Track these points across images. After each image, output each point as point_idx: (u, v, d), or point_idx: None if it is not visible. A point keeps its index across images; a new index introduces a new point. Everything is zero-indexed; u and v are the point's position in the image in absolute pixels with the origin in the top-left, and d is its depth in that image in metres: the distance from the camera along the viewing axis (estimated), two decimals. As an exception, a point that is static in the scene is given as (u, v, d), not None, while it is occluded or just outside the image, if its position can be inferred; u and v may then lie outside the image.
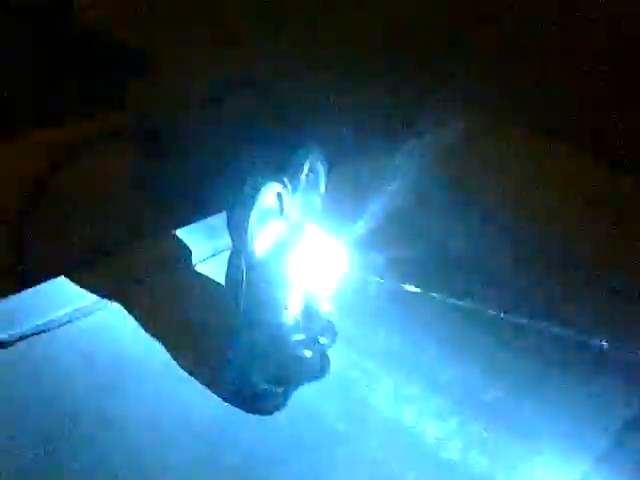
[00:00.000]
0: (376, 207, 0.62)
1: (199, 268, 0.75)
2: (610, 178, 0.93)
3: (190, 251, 0.76)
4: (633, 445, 0.59)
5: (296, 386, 0.62)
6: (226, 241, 0.77)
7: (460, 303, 0.60)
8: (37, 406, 0.60)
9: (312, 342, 0.60)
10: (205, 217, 0.82)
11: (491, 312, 0.61)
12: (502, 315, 0.59)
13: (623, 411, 0.61)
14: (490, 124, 0.98)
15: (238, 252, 0.54)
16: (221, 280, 0.71)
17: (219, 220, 0.81)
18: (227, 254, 0.76)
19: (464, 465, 0.57)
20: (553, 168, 0.95)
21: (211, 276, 0.74)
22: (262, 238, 0.54)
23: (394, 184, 0.65)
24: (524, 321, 0.61)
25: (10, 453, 0.56)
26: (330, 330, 0.61)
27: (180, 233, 0.78)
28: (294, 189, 0.55)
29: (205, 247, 0.77)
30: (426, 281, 0.64)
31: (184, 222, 0.82)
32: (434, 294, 0.59)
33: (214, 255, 0.77)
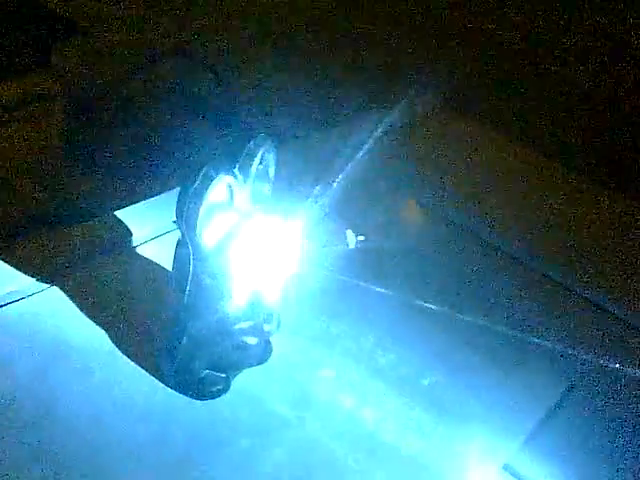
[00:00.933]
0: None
1: (140, 250, 0.75)
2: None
3: (131, 232, 0.75)
4: (556, 427, 0.63)
5: (239, 372, 0.63)
6: (167, 222, 0.78)
7: (399, 294, 0.62)
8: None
9: (256, 330, 0.61)
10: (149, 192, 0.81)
11: (429, 304, 0.63)
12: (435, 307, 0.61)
13: (547, 396, 0.66)
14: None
15: (186, 243, 0.54)
16: (163, 263, 0.72)
17: (160, 201, 0.80)
18: (169, 236, 0.76)
19: (400, 446, 0.60)
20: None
21: (153, 259, 0.73)
22: (211, 229, 0.54)
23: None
24: (462, 314, 0.64)
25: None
26: (274, 318, 0.62)
27: (120, 214, 0.76)
28: (245, 179, 0.55)
29: (146, 228, 0.76)
30: (368, 272, 0.66)
31: (125, 198, 0.81)
32: (376, 287, 0.60)
33: (156, 237, 0.76)
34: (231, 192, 0.54)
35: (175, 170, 1.02)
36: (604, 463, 0.61)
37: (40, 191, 1.01)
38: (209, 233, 0.54)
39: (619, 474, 0.60)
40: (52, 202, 0.99)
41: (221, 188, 0.53)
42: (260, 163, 0.56)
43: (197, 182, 0.51)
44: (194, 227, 0.52)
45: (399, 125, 0.82)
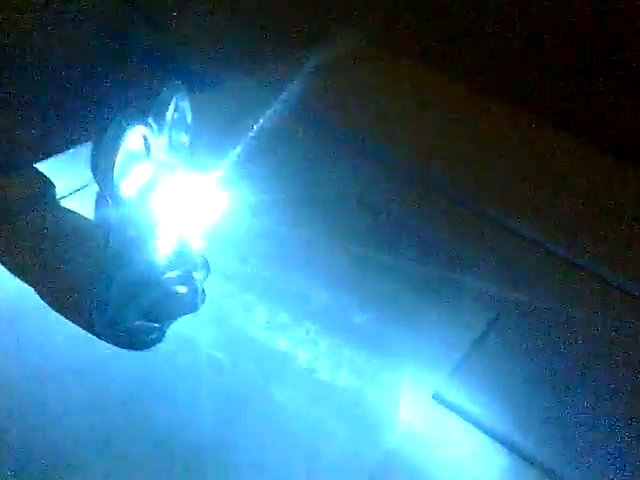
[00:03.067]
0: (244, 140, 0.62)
1: (64, 203, 0.73)
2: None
3: (54, 185, 0.73)
4: (481, 356, 0.66)
5: (173, 320, 0.63)
6: (89, 174, 0.76)
7: (328, 237, 0.63)
8: None
9: (185, 278, 0.61)
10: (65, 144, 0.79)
11: (359, 245, 0.64)
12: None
13: (473, 328, 0.68)
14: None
15: (104, 196, 0.54)
16: (87, 215, 0.71)
17: (82, 151, 0.78)
18: (92, 188, 0.75)
19: (334, 383, 0.62)
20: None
21: (77, 211, 0.72)
22: (129, 181, 0.53)
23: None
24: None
25: None
26: (204, 266, 0.62)
27: (42, 166, 0.74)
28: (160, 129, 0.54)
29: (69, 180, 0.74)
30: (295, 218, 0.66)
31: (42, 143, 0.78)
32: (303, 231, 0.61)
33: (79, 189, 0.75)
34: (147, 142, 0.53)
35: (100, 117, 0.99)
36: (528, 390, 0.64)
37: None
38: (127, 185, 0.53)
39: (540, 398, 0.63)
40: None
41: (135, 138, 0.52)
42: (175, 111, 0.55)
43: (109, 132, 0.50)
44: (111, 179, 0.52)
45: (322, 66, 0.81)
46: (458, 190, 0.82)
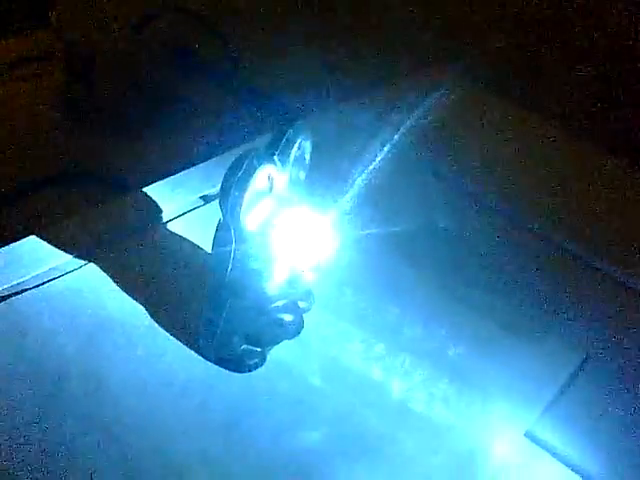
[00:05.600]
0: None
1: (170, 227, 0.77)
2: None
3: (161, 209, 0.77)
4: (574, 396, 0.67)
5: (274, 346, 0.66)
6: (194, 198, 0.80)
7: (423, 271, 0.65)
8: (22, 367, 0.62)
9: (292, 307, 0.64)
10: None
11: (452, 279, 0.66)
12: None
13: (565, 366, 0.69)
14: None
15: (227, 227, 0.57)
16: (194, 239, 0.74)
17: (183, 177, 0.83)
18: (196, 212, 0.79)
19: (428, 415, 0.64)
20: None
21: (183, 235, 0.75)
22: (252, 215, 0.56)
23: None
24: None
25: (-1, 415, 0.58)
26: (309, 295, 0.65)
27: (148, 190, 0.78)
28: (283, 167, 0.58)
29: (172, 205, 0.78)
30: (394, 250, 0.68)
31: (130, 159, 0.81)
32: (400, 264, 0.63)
33: (183, 214, 0.78)
34: (271, 180, 0.56)
35: (185, 138, 1.03)
36: (619, 432, 0.64)
37: (42, 152, 1.01)
38: (251, 219, 0.56)
39: (633, 441, 0.64)
40: (53, 163, 1.00)
41: (263, 176, 0.55)
42: (298, 149, 0.58)
43: (241, 172, 0.53)
44: (238, 214, 0.55)
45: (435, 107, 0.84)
46: (559, 235, 0.84)
